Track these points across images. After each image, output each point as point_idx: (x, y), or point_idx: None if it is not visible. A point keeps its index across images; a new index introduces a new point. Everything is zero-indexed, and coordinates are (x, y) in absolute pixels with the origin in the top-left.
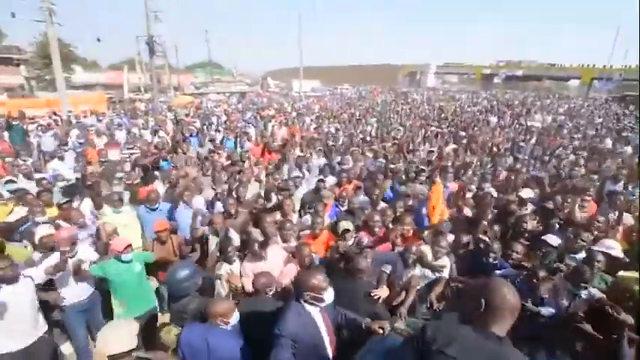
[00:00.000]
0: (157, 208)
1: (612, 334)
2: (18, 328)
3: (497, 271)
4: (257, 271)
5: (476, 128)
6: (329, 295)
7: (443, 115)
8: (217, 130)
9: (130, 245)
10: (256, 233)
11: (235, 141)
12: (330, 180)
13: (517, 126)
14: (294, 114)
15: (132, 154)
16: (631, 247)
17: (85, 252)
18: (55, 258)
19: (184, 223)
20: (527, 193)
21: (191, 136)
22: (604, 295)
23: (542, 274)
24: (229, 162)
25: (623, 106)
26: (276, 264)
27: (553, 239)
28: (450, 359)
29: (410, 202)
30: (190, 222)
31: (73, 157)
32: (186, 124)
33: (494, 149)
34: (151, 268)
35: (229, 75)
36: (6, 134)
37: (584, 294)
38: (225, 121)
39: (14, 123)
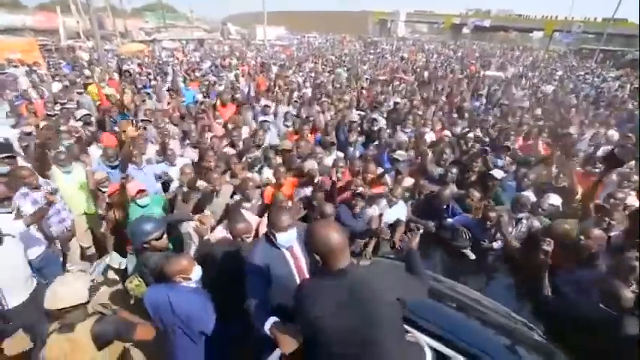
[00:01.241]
0: (116, 166)
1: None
2: (16, 282)
3: (450, 219)
4: None
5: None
6: (290, 235)
7: (412, 67)
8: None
9: (143, 190)
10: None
11: (194, 92)
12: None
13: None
14: (258, 63)
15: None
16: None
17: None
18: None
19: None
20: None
21: (144, 87)
22: (540, 227)
23: (491, 213)
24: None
25: (578, 59)
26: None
27: (498, 173)
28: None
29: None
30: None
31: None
32: (135, 74)
33: (455, 100)
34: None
35: (185, 20)
36: None
37: (524, 221)
38: (186, 71)
39: None
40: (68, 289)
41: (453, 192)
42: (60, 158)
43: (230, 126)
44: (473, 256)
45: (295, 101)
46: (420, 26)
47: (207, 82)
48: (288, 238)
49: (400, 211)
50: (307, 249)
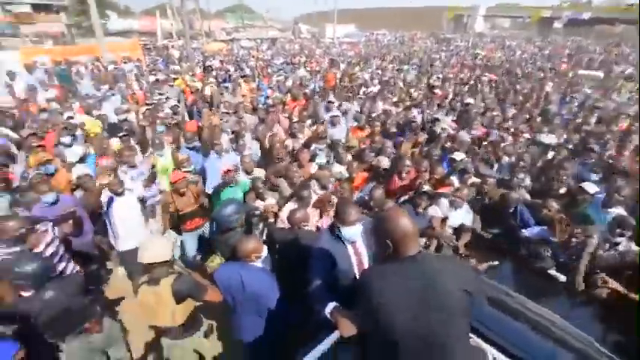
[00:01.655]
0: (193, 147)
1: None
2: (131, 230)
3: (525, 232)
4: None
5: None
6: (355, 230)
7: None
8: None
9: (230, 170)
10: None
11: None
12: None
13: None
14: (326, 61)
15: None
16: None
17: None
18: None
19: (214, 173)
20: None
21: (224, 81)
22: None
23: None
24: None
25: None
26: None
27: (592, 187)
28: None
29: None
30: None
31: (117, 100)
32: (217, 70)
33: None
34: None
35: (261, 20)
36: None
37: (621, 247)
38: (259, 68)
39: (62, 67)
40: (157, 248)
41: (522, 197)
42: (156, 143)
43: (294, 119)
44: (563, 278)
45: (360, 97)
46: (501, 21)
47: (278, 78)
48: (354, 233)
49: (465, 216)
50: (377, 235)
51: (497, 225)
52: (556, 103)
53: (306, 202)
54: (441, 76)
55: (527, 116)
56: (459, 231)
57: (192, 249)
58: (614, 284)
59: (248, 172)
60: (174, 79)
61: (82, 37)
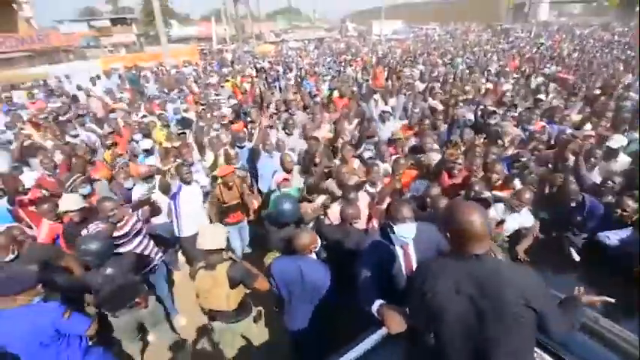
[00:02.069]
0: (244, 147)
1: None
2: (194, 217)
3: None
4: None
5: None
6: (409, 228)
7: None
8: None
9: (287, 179)
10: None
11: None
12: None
13: None
14: (373, 59)
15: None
16: None
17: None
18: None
19: (267, 172)
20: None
21: (274, 81)
22: None
23: None
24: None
25: None
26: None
27: None
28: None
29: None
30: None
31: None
32: (268, 70)
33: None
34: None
35: (308, 21)
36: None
37: None
38: (307, 67)
39: (132, 72)
40: (214, 236)
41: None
42: (213, 142)
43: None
44: None
45: (404, 94)
46: (571, 7)
47: (325, 78)
48: (406, 231)
49: (525, 220)
50: (442, 227)
51: (557, 218)
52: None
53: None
54: (495, 70)
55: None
56: (517, 235)
57: (234, 241)
58: None
59: (288, 171)
60: (226, 80)
61: (150, 45)
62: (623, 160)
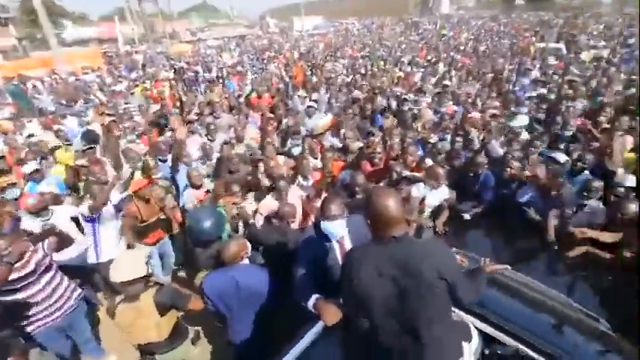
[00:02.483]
0: (165, 160)
1: None
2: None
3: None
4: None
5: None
6: (336, 226)
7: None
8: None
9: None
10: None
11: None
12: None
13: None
14: (296, 55)
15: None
16: None
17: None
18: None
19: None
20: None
21: (193, 83)
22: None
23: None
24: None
25: None
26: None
27: (562, 157)
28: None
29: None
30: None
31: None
32: (185, 72)
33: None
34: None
35: (226, 18)
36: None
37: (590, 206)
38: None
39: (14, 84)
40: (131, 264)
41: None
42: (128, 155)
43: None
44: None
45: (331, 87)
46: (467, 1)
47: (252, 77)
48: (334, 228)
49: (443, 194)
50: (364, 215)
51: (466, 193)
52: (519, 79)
53: (284, 194)
54: (408, 60)
55: (494, 94)
56: (436, 211)
57: (156, 264)
58: (590, 232)
59: (196, 187)
60: (136, 85)
61: (38, 50)
62: (524, 136)
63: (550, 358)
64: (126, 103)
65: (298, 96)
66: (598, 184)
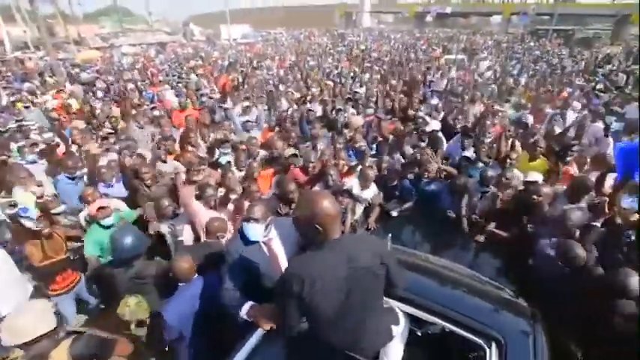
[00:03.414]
0: (75, 177)
1: None
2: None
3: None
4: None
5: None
6: (257, 229)
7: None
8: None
9: (104, 207)
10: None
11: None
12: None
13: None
14: (225, 63)
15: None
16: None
17: None
18: None
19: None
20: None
21: (105, 94)
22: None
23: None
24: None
25: (535, 38)
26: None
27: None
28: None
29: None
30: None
31: None
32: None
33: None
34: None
35: (144, 23)
36: None
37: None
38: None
39: None
40: (29, 320)
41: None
42: (21, 177)
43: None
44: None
45: (259, 97)
46: (386, 16)
47: (169, 86)
48: (253, 231)
49: (373, 193)
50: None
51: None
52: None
53: (210, 201)
54: (335, 70)
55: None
56: (369, 209)
57: (71, 313)
58: (490, 225)
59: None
60: (29, 98)
61: None
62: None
63: (471, 331)
64: (18, 120)
65: (220, 106)
66: (492, 172)
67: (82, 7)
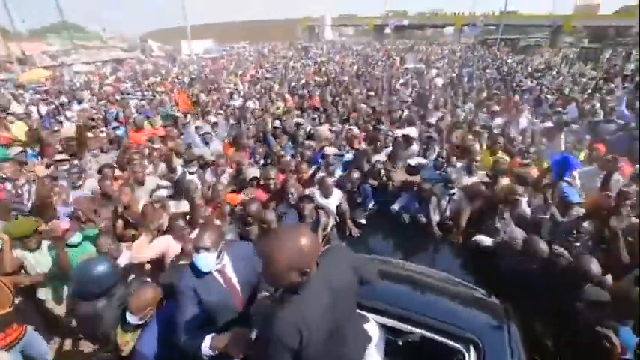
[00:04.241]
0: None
1: None
2: None
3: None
4: None
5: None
6: (203, 259)
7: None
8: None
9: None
10: None
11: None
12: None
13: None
14: (187, 79)
15: None
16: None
17: None
18: None
19: None
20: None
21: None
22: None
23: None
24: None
25: (485, 47)
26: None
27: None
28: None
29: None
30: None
31: None
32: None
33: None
34: None
35: (98, 40)
36: None
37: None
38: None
39: None
40: None
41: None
42: None
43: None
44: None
45: (218, 113)
46: (347, 29)
47: (126, 104)
48: (203, 261)
49: (337, 201)
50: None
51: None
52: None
53: (180, 233)
54: (300, 83)
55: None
56: (339, 214)
57: None
58: (461, 227)
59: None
60: None
61: None
62: (414, 148)
63: (449, 336)
64: None
65: (184, 124)
66: (456, 175)
67: (26, 24)
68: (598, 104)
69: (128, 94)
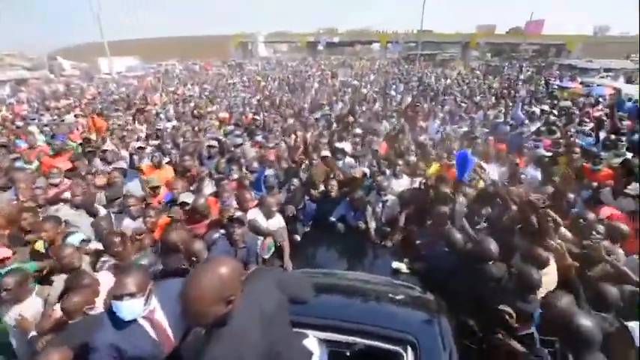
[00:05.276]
0: None
1: None
2: None
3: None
4: None
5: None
6: (124, 307)
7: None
8: None
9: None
10: None
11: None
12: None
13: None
14: (109, 99)
15: None
16: None
17: None
18: None
19: None
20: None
21: None
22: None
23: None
24: None
25: (408, 62)
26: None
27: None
28: None
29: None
30: None
31: None
32: None
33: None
34: None
35: None
36: None
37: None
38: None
39: None
40: None
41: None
42: None
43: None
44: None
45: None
46: (281, 46)
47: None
48: (125, 310)
49: (279, 221)
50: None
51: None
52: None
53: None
54: (238, 101)
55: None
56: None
57: None
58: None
59: None
60: None
61: None
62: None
63: (387, 340)
64: None
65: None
66: (386, 182)
67: None
68: (503, 110)
69: (33, 119)
